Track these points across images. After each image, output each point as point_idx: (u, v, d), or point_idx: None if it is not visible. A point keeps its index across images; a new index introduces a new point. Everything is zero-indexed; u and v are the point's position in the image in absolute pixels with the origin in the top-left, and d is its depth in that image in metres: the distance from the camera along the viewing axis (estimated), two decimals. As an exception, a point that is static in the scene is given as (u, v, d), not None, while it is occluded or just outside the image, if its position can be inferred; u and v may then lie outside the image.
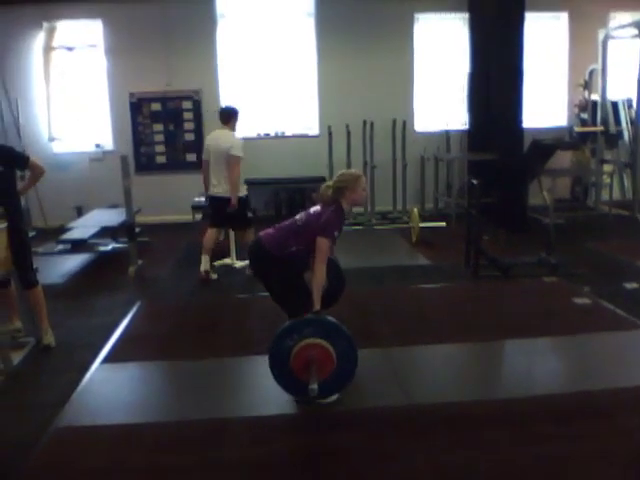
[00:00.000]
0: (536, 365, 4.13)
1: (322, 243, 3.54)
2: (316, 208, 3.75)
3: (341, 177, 3.75)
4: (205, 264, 6.37)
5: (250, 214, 6.87)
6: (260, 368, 4.12)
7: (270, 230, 3.79)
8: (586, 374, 3.98)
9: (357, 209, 9.53)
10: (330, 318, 3.50)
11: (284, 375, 3.42)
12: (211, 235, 6.50)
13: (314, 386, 3.14)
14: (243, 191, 6.59)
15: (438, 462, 2.98)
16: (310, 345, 3.31)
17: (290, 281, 3.71)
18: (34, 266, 4.73)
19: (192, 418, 3.51)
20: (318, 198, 3.81)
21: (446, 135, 10.09)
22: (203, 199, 7.00)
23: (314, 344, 3.31)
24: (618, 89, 9.68)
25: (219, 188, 6.40)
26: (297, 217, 3.76)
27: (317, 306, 3.50)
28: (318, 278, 3.54)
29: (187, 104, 9.94)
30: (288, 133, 9.93)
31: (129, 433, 3.36)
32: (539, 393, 3.67)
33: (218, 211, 6.45)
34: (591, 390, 3.66)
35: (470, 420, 3.37)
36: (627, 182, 9.63)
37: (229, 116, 6.59)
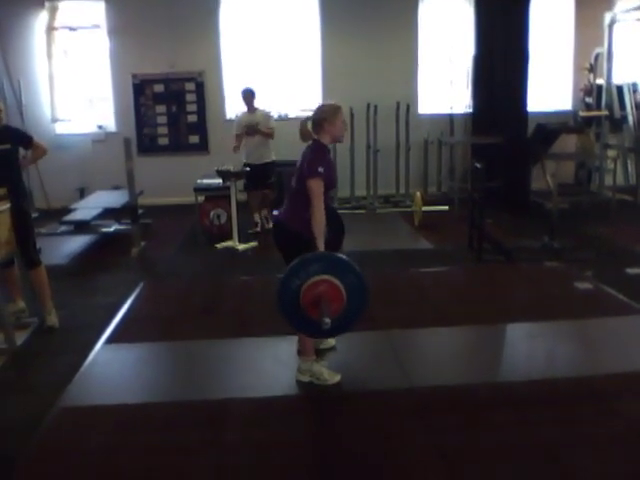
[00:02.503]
0: (537, 349, 4.14)
1: (311, 184, 3.44)
2: (299, 162, 3.64)
3: (319, 109, 3.64)
4: (256, 219, 7.78)
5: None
6: (262, 350, 4.17)
7: (282, 208, 3.76)
8: (587, 359, 4.00)
9: (360, 193, 9.53)
10: (335, 254, 3.47)
11: (296, 315, 3.35)
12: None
13: (327, 319, 3.12)
14: (272, 156, 7.66)
15: (439, 444, 3.01)
16: (318, 282, 3.26)
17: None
18: (37, 246, 4.74)
19: (194, 399, 3.53)
20: (300, 135, 3.70)
21: (450, 118, 10.05)
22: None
23: (322, 280, 3.26)
24: (623, 73, 9.61)
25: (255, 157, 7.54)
26: (292, 182, 3.68)
27: (321, 247, 3.41)
28: (317, 219, 3.42)
29: (190, 86, 9.89)
30: (291, 115, 9.88)
31: (132, 413, 3.39)
32: (540, 377, 3.69)
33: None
34: (592, 375, 3.68)
35: (471, 403, 3.39)
36: (631, 167, 9.59)
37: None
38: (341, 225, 4.18)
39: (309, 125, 3.64)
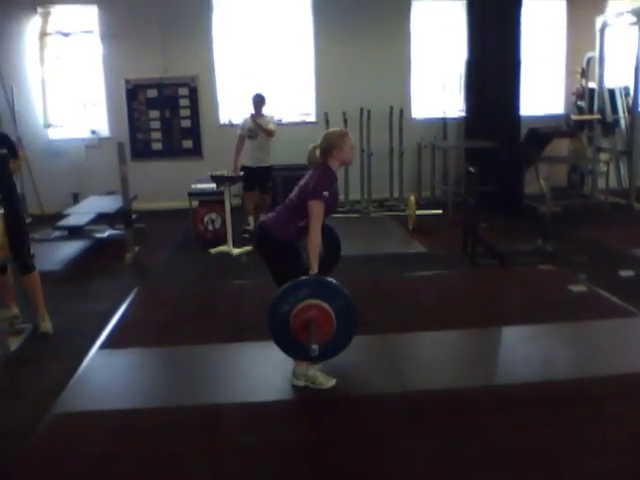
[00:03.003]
0: (532, 352, 4.15)
1: (313, 205, 3.45)
2: (305, 177, 3.68)
3: (327, 137, 3.66)
4: (250, 221, 7.90)
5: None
6: (257, 354, 4.16)
7: (271, 214, 3.77)
8: (581, 361, 4.01)
9: (354, 197, 9.55)
10: (324, 278, 3.47)
11: (286, 340, 3.38)
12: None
13: (315, 346, 3.12)
14: (270, 161, 7.88)
15: (432, 448, 3.00)
16: (307, 306, 3.28)
17: (291, 263, 3.61)
18: (31, 252, 4.72)
19: (189, 404, 3.52)
20: (307, 161, 3.73)
21: (443, 122, 10.08)
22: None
23: (311, 305, 3.28)
24: (615, 77, 9.66)
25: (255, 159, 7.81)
26: (291, 195, 3.70)
27: (314, 269, 3.43)
28: (313, 241, 3.45)
29: (183, 90, 9.89)
30: (285, 120, 9.89)
31: (126, 419, 3.38)
32: (534, 380, 3.69)
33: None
34: (586, 377, 3.68)
35: (465, 407, 3.39)
36: (623, 170, 9.64)
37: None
38: (337, 242, 4.19)
39: (317, 152, 3.66)
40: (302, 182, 3.67)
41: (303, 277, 3.39)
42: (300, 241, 3.64)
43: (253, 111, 7.67)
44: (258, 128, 7.55)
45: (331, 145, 3.60)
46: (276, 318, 3.33)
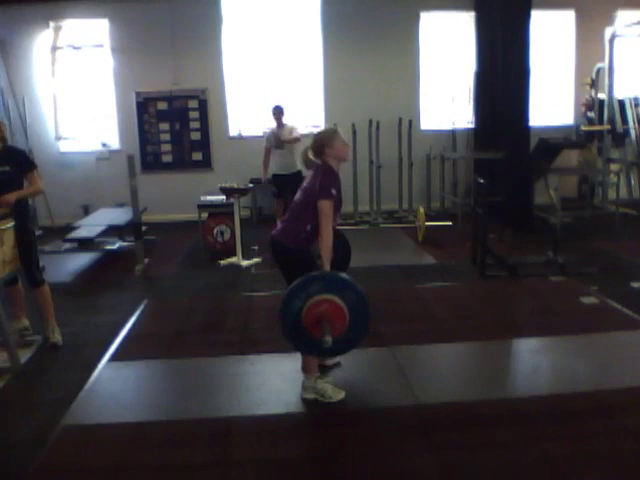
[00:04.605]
0: (543, 365, 4.12)
1: (322, 205, 3.46)
2: (307, 180, 3.69)
3: (316, 137, 3.69)
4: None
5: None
6: (266, 367, 4.15)
7: (278, 225, 3.77)
8: (593, 374, 3.97)
9: (363, 208, 9.55)
10: (335, 272, 3.47)
11: (299, 337, 3.35)
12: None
13: (328, 338, 3.11)
14: (299, 165, 7.87)
15: (444, 461, 2.98)
16: (319, 302, 3.26)
17: (306, 269, 3.51)
18: (40, 265, 4.74)
19: (199, 417, 3.51)
20: (304, 164, 3.77)
21: (452, 134, 10.08)
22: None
23: (323, 300, 3.27)
24: (625, 87, 9.63)
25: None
26: (295, 199, 3.71)
27: (327, 268, 3.43)
28: (325, 240, 3.45)
29: (193, 103, 9.95)
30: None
31: (136, 431, 3.37)
32: (546, 393, 3.66)
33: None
34: (598, 390, 3.65)
35: (476, 420, 3.37)
36: (634, 181, 9.60)
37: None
38: (347, 245, 4.19)
39: (310, 154, 3.68)
40: (305, 184, 3.68)
41: (314, 273, 3.38)
42: (313, 247, 3.64)
43: (275, 123, 8.06)
44: (282, 143, 7.96)
45: (321, 144, 3.61)
46: (288, 314, 3.30)
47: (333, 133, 3.67)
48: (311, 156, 3.67)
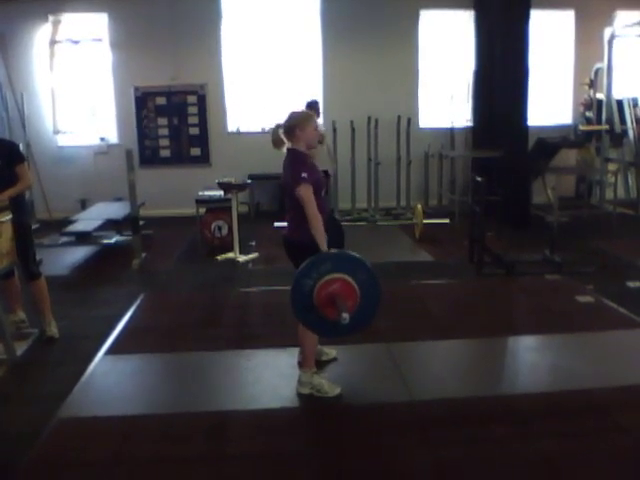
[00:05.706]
0: (538, 363, 4.13)
1: (300, 191, 3.41)
2: (283, 175, 3.66)
3: (291, 116, 3.63)
4: None
5: None
6: (262, 362, 4.16)
7: (285, 224, 3.76)
8: (589, 372, 3.98)
9: (361, 205, 9.55)
10: (345, 251, 3.49)
11: (311, 316, 3.35)
12: None
13: (345, 314, 3.12)
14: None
15: (439, 458, 2.99)
16: (330, 281, 3.27)
17: None
18: (37, 258, 4.74)
19: (195, 410, 3.52)
20: (272, 141, 3.70)
21: (450, 132, 10.08)
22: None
23: (334, 279, 3.27)
24: (623, 88, 9.65)
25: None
26: (285, 199, 3.69)
27: (324, 248, 3.40)
28: (314, 224, 3.39)
29: (192, 98, 9.94)
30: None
31: (132, 425, 3.38)
32: (541, 390, 3.68)
33: None
34: (593, 388, 3.66)
35: (472, 416, 3.38)
36: (631, 181, 9.62)
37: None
38: (340, 229, 4.17)
39: (280, 132, 3.65)
40: (283, 180, 3.66)
41: (324, 252, 3.38)
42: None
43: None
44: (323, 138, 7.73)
45: (294, 124, 3.57)
46: (300, 294, 3.29)
47: (308, 116, 3.66)
48: (281, 135, 3.64)
